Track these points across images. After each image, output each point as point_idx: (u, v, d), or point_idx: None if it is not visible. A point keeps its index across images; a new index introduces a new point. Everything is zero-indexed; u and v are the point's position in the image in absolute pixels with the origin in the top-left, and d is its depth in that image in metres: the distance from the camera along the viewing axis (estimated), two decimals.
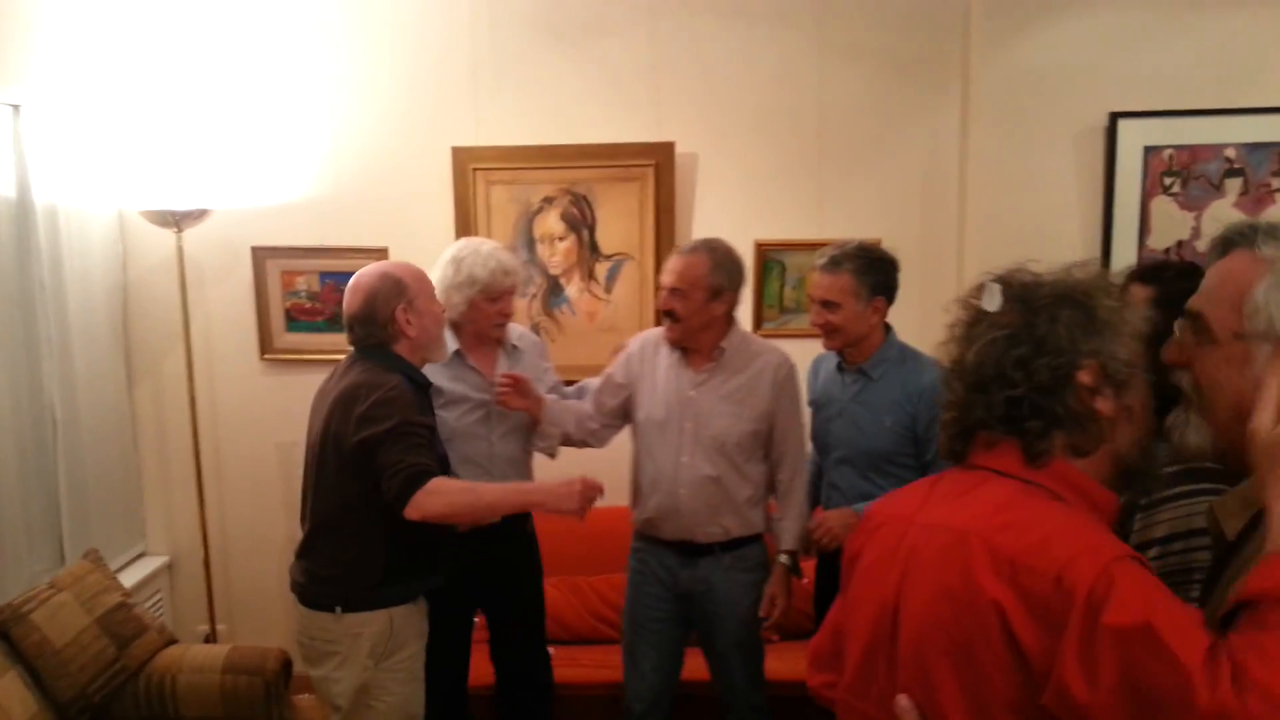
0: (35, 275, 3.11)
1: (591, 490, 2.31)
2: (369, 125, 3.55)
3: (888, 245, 3.35)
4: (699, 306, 2.57)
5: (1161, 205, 3.37)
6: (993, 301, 1.21)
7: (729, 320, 2.65)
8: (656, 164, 3.47)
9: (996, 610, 1.05)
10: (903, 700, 1.15)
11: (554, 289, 3.61)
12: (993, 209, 3.40)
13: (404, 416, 2.22)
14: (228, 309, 3.65)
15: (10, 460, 2.99)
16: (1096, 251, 3.37)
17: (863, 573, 1.30)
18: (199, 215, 3.44)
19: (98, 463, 3.42)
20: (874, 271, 2.55)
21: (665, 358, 2.69)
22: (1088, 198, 3.39)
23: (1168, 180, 3.35)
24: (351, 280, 2.40)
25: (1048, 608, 1.01)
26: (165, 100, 3.52)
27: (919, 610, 1.16)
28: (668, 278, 2.61)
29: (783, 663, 2.88)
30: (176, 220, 3.41)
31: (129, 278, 3.63)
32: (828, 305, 2.55)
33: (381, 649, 2.33)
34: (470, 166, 3.49)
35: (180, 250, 3.45)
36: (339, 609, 2.32)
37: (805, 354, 2.87)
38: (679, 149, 3.48)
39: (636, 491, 2.74)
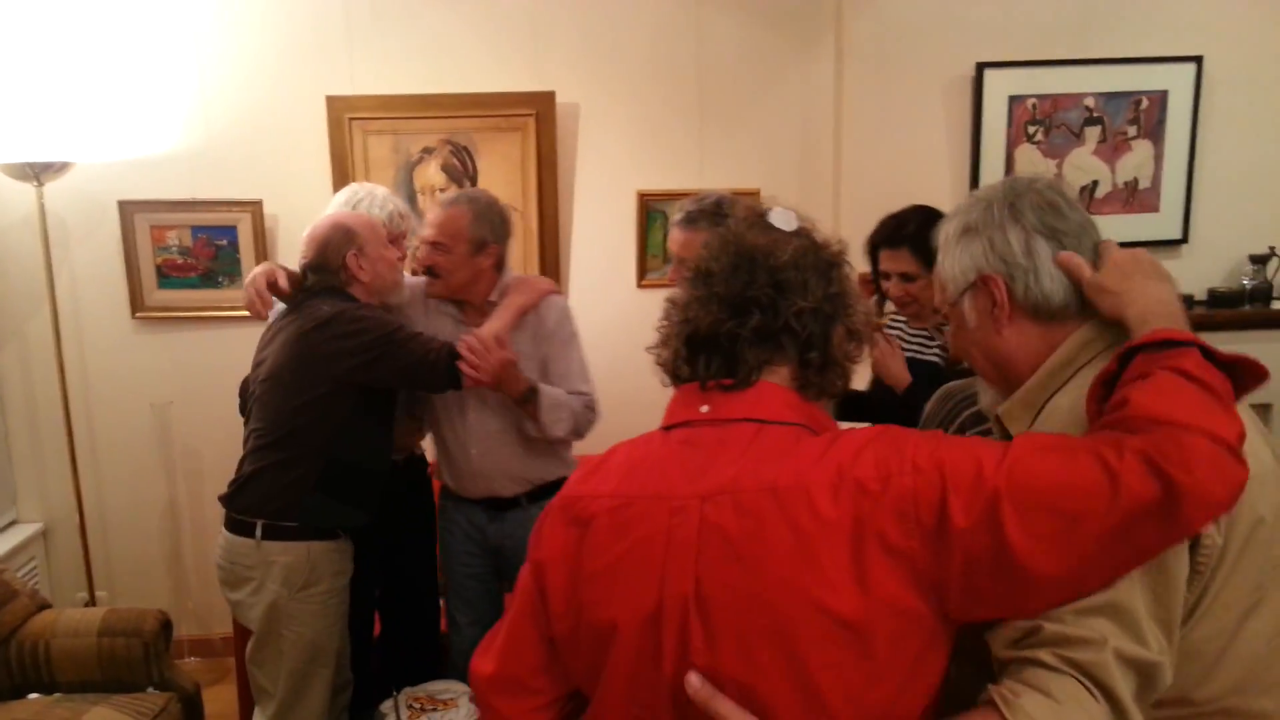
0: None
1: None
2: (239, 73, 3.44)
3: (766, 195, 3.45)
4: (463, 261, 2.49)
5: (1026, 153, 3.51)
6: (787, 222, 1.16)
7: (499, 272, 2.59)
8: (537, 114, 3.45)
9: (876, 535, 0.97)
10: (694, 679, 1.00)
11: None
12: (866, 158, 3.49)
13: (389, 323, 2.39)
14: (95, 267, 3.51)
15: None
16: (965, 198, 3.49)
17: (610, 569, 1.07)
18: (60, 168, 3.29)
19: None
20: None
21: (445, 313, 2.60)
22: (956, 146, 3.50)
23: (1031, 129, 3.49)
24: (306, 232, 2.50)
25: (918, 507, 0.97)
26: (20, 45, 3.33)
27: (757, 588, 0.99)
28: (428, 231, 2.49)
29: None
30: (36, 173, 3.26)
31: None
32: (684, 262, 2.53)
33: (297, 580, 2.39)
34: (346, 116, 3.41)
35: (42, 205, 3.30)
36: (259, 535, 2.39)
37: None
38: (560, 99, 3.47)
39: (437, 450, 2.73)
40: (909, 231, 2.35)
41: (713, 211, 2.47)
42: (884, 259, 2.39)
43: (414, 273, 2.63)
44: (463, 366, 2.36)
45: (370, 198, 2.72)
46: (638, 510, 1.06)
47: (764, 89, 3.55)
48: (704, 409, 1.11)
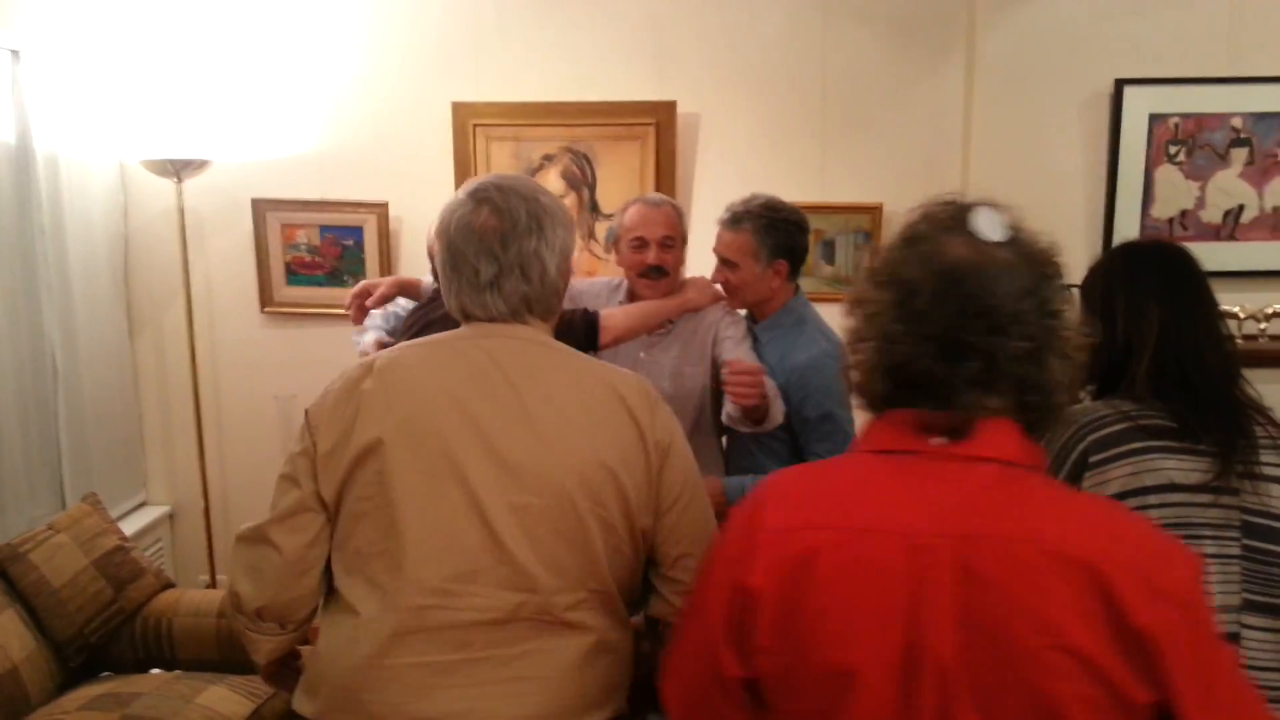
0: (36, 222, 3.12)
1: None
2: (371, 79, 3.54)
3: (890, 210, 3.38)
4: (680, 259, 2.55)
5: (1166, 174, 3.34)
6: (993, 230, 1.00)
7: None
8: (658, 123, 3.45)
9: (1144, 647, 0.90)
10: None
11: None
12: (996, 175, 3.37)
13: None
14: (228, 261, 3.66)
15: (10, 405, 3.02)
16: (1100, 220, 3.36)
17: (840, 608, 0.97)
18: (199, 166, 3.45)
19: (98, 411, 3.45)
20: (777, 232, 2.39)
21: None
22: (1092, 165, 3.36)
23: (1173, 149, 3.32)
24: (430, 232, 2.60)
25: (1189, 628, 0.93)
26: (166, 49, 3.50)
27: (1033, 649, 0.91)
28: (657, 229, 2.49)
29: None
30: (177, 171, 3.42)
31: (130, 228, 3.64)
32: (726, 263, 2.44)
33: None
34: (470, 122, 3.48)
35: (181, 201, 3.46)
36: None
37: None
38: (681, 108, 3.46)
39: None
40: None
41: (759, 213, 2.40)
42: None
43: (633, 269, 2.56)
44: (733, 390, 2.15)
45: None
46: (868, 544, 0.97)
47: (890, 102, 3.47)
48: (936, 441, 1.01)
